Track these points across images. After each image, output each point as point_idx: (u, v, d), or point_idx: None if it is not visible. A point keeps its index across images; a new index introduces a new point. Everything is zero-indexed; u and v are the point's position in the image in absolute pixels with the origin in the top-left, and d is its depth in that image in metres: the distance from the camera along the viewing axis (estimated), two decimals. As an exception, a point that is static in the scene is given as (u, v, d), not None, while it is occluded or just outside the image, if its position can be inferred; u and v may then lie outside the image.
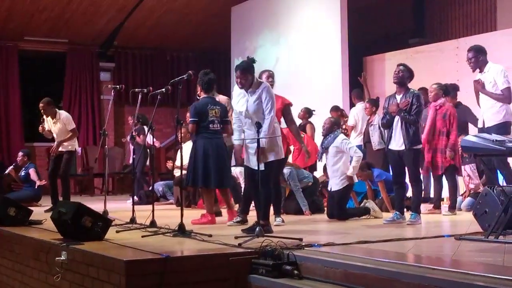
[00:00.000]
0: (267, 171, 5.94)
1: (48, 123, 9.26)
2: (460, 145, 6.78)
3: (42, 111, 9.20)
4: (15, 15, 13.58)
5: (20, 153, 11.49)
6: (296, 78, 12.12)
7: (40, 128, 9.23)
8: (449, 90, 8.46)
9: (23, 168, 11.28)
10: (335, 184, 7.59)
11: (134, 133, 7.95)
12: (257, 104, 6.14)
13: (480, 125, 7.28)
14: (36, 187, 11.01)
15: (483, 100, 7.28)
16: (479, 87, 7.23)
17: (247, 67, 6.20)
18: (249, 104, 6.19)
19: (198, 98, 7.46)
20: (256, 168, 5.88)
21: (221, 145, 7.03)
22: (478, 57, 7.27)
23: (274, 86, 7.09)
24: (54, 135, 9.23)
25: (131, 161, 9.37)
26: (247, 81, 6.19)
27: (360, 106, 10.39)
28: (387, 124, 7.03)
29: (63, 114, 9.32)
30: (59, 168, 9.22)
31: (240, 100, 6.29)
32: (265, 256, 4.72)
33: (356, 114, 10.14)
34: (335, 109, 10.52)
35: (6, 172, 11.58)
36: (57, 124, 9.18)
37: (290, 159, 8.90)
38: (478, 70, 7.35)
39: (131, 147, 7.71)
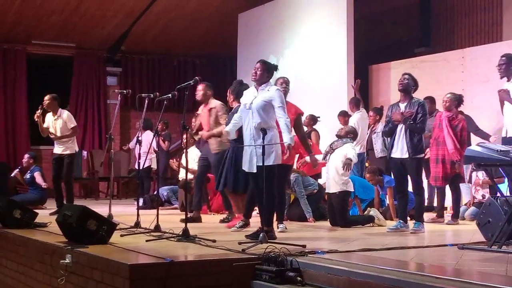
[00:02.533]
0: (268, 175, 5.87)
1: (49, 121, 9.28)
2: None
3: (45, 104, 9.21)
4: (24, 19, 13.65)
5: (26, 155, 11.51)
6: (301, 85, 12.12)
7: (35, 116, 9.12)
8: (462, 100, 8.45)
9: (29, 171, 11.30)
10: (332, 186, 7.67)
11: (140, 138, 7.98)
12: (264, 102, 6.13)
13: (504, 134, 7.24)
14: (41, 190, 11.03)
15: (508, 110, 7.18)
16: (505, 95, 7.16)
17: (269, 65, 6.28)
18: (256, 99, 6.20)
19: (230, 106, 7.71)
20: (252, 171, 6.11)
21: None
22: (509, 65, 7.19)
23: (288, 93, 7.19)
24: (53, 131, 9.22)
25: (136, 165, 9.42)
26: (261, 76, 6.20)
27: (358, 114, 10.40)
28: (389, 132, 7.06)
29: (65, 112, 9.37)
30: (62, 172, 9.26)
31: (249, 96, 6.34)
32: (268, 262, 4.73)
33: (356, 123, 10.12)
34: (343, 114, 10.51)
35: (12, 175, 11.61)
36: (58, 121, 9.21)
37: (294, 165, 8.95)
38: (506, 79, 7.27)
39: (137, 152, 7.75)
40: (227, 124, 7.07)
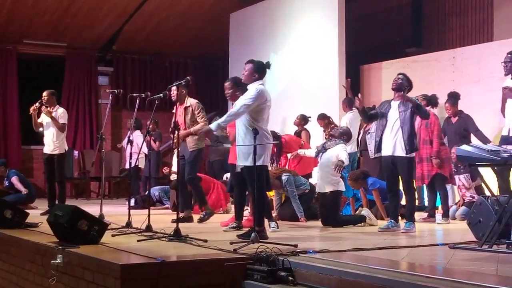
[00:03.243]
0: (257, 175, 5.87)
1: (44, 117, 9.24)
2: (455, 154, 6.81)
3: (44, 99, 9.18)
4: (15, 18, 13.61)
5: None
6: (293, 85, 12.17)
7: (32, 108, 9.08)
8: (433, 101, 8.49)
9: (5, 179, 11.14)
10: (323, 186, 7.68)
11: (131, 138, 7.98)
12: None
13: (505, 133, 7.21)
14: (24, 193, 10.94)
15: (510, 109, 7.15)
16: (509, 92, 7.12)
17: (257, 65, 6.25)
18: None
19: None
20: (239, 169, 6.20)
21: None
22: None
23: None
24: (46, 121, 9.20)
25: (127, 165, 9.40)
26: (248, 77, 6.22)
27: (350, 114, 10.40)
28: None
29: (60, 108, 9.35)
30: (54, 171, 9.24)
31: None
32: (260, 262, 4.73)
33: (348, 123, 10.14)
34: (322, 117, 10.50)
35: None
36: (52, 113, 9.18)
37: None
38: (510, 76, 7.25)
39: (128, 151, 7.75)
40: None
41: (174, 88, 7.87)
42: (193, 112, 8.01)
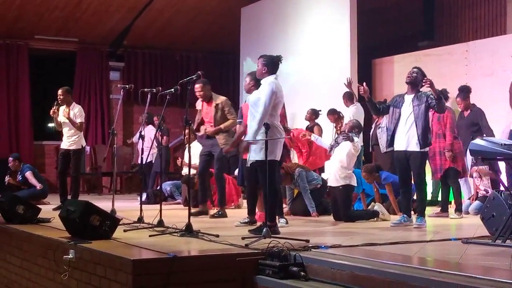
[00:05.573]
0: (270, 170, 5.87)
1: (61, 115, 9.27)
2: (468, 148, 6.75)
3: (59, 97, 9.21)
4: (26, 14, 13.64)
5: (10, 159, 11.32)
6: (304, 79, 12.12)
7: (51, 111, 9.18)
8: (445, 95, 8.44)
9: (19, 173, 11.18)
10: (334, 180, 7.68)
11: (143, 133, 7.99)
12: (257, 97, 6.16)
13: None
14: (39, 188, 10.99)
15: None
16: None
17: (269, 59, 6.25)
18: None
19: None
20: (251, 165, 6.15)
21: None
22: None
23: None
24: (62, 120, 9.22)
25: (139, 160, 9.41)
26: (260, 72, 6.23)
27: (353, 108, 10.35)
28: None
29: (77, 107, 9.38)
30: (68, 167, 9.28)
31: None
32: (271, 257, 4.73)
33: (352, 116, 10.08)
34: (332, 112, 10.47)
35: (6, 182, 11.38)
36: (70, 113, 9.22)
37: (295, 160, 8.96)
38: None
39: (140, 146, 7.76)
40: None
41: (198, 88, 7.96)
42: (223, 109, 8.08)
